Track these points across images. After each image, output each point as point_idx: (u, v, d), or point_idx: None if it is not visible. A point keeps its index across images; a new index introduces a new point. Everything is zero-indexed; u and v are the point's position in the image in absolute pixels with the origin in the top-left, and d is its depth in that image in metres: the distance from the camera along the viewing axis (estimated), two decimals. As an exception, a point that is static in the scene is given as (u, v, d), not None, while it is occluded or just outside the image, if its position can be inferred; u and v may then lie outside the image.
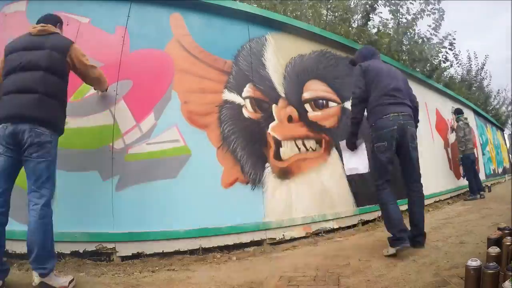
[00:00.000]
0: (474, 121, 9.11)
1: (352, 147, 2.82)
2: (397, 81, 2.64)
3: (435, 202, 5.39)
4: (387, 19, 6.12)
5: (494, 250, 1.55)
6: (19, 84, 1.91)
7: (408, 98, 2.70)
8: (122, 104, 2.67)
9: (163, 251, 2.56)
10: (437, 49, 6.51)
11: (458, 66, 10.58)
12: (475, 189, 5.95)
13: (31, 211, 1.86)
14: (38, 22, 2.15)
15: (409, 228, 2.51)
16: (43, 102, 1.92)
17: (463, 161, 6.17)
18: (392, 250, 2.35)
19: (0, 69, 2.05)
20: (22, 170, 1.96)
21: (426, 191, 4.99)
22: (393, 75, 2.67)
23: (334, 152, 3.68)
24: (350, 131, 2.79)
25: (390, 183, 2.60)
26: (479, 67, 11.66)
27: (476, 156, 6.67)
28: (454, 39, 6.50)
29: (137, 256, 2.51)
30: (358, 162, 2.81)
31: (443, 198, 5.74)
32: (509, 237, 1.58)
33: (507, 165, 12.46)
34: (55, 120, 2.00)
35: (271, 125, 3.25)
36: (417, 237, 2.50)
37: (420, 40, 6.36)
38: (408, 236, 2.41)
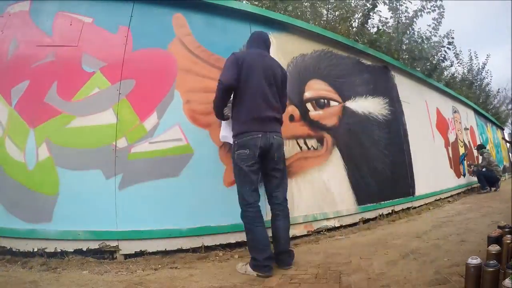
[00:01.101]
0: (474, 120, 9.12)
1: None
2: None
3: (435, 200, 5.42)
4: (386, 18, 6.12)
5: (494, 248, 1.57)
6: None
7: None
8: (125, 103, 2.69)
9: (165, 249, 2.58)
10: (436, 48, 6.51)
11: (459, 65, 10.58)
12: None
13: None
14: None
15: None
16: None
17: (487, 174, 7.03)
18: (251, 272, 2.16)
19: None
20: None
21: (427, 189, 5.11)
22: None
23: (335, 151, 3.69)
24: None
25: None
26: (480, 67, 11.66)
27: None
28: (452, 38, 6.51)
29: (140, 254, 2.53)
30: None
31: (443, 197, 5.76)
32: (509, 235, 1.59)
33: (507, 164, 12.47)
34: None
35: (272, 124, 3.26)
36: (281, 255, 2.30)
37: (419, 40, 6.35)
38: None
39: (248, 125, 2.26)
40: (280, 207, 2.38)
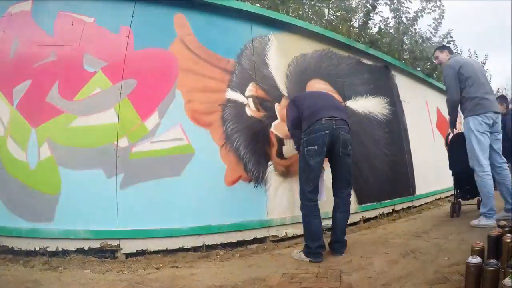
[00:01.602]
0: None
1: None
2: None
3: (436, 200, 5.43)
4: (387, 18, 6.13)
5: (478, 244, 1.61)
6: None
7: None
8: (126, 102, 2.70)
9: (167, 248, 2.59)
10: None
11: None
12: None
13: None
14: None
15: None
16: None
17: None
18: (304, 258, 2.41)
19: None
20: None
21: (427, 189, 5.10)
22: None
23: (335, 150, 3.69)
24: None
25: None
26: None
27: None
28: (451, 37, 6.51)
29: (141, 253, 2.54)
30: None
31: (444, 196, 5.76)
32: (509, 235, 1.60)
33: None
34: None
35: (273, 123, 3.26)
36: (334, 243, 2.56)
37: (420, 40, 6.36)
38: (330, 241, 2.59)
39: None
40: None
